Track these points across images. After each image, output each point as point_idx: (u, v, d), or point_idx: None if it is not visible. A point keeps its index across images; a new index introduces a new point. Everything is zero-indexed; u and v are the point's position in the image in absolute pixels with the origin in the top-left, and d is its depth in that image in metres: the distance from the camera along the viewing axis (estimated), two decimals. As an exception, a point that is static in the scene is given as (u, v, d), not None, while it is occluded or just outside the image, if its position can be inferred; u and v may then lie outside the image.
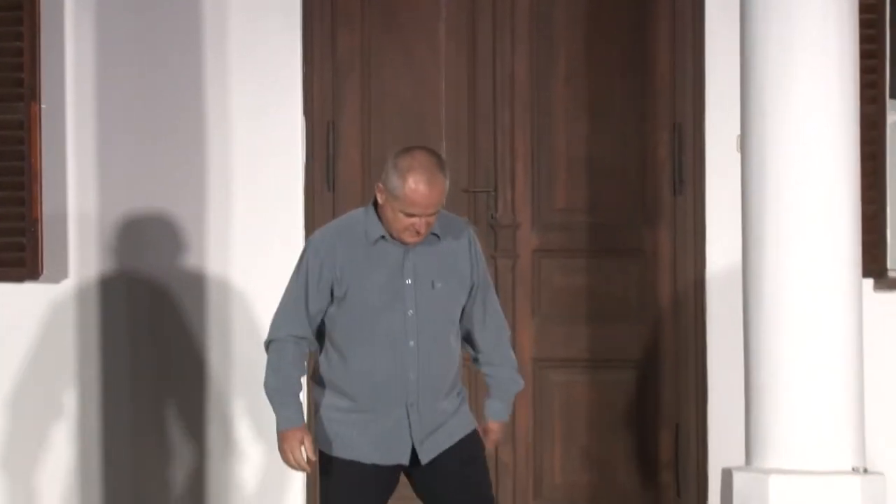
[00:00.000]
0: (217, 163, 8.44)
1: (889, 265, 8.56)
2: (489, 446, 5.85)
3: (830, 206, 6.63)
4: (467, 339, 5.84)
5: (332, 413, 5.68)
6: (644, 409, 8.54)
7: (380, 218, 5.64)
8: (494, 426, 5.89)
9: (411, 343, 5.64)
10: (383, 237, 5.65)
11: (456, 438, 5.70)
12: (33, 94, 8.20)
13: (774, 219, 6.62)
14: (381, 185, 5.61)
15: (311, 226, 8.52)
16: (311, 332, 5.67)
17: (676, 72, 8.57)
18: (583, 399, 8.55)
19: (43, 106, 8.24)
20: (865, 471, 6.55)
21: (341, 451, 5.65)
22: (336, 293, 5.62)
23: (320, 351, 5.75)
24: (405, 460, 5.66)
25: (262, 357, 8.23)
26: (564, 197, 8.62)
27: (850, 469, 6.50)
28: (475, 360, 5.89)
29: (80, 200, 8.41)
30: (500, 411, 5.89)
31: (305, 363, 5.70)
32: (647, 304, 8.57)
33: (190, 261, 8.45)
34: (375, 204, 5.66)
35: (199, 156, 8.44)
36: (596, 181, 8.59)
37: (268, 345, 5.71)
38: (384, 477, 5.66)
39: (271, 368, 5.67)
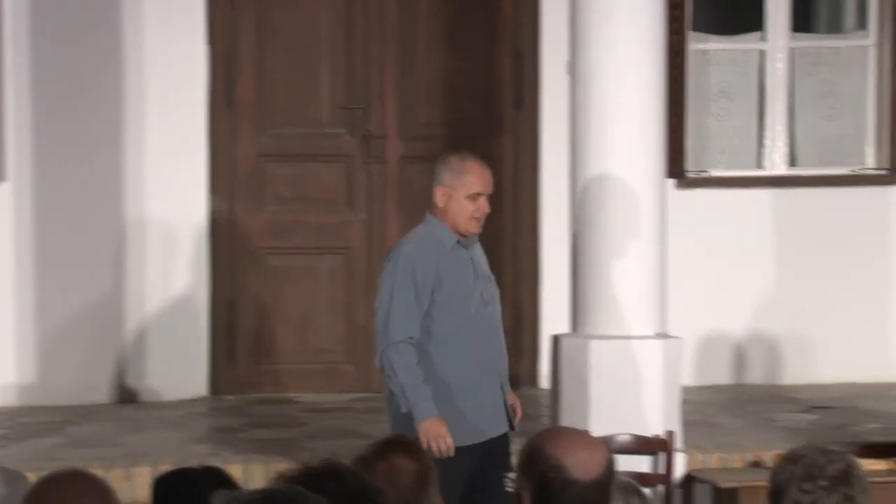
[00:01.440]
0: (133, 83, 8.37)
1: (687, 168, 8.76)
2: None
3: (641, 119, 6.64)
4: None
5: (442, 405, 5.35)
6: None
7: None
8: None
9: (496, 327, 5.56)
10: (457, 241, 5.51)
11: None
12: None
13: (597, 129, 6.63)
14: (439, 187, 5.48)
15: (214, 138, 8.52)
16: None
17: (518, 8, 8.63)
18: (442, 280, 8.64)
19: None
20: (666, 335, 6.63)
21: (457, 440, 5.34)
22: (437, 294, 5.41)
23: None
24: (507, 427, 5.54)
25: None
26: (426, 113, 8.66)
27: (653, 334, 6.57)
28: None
29: (17, 118, 8.31)
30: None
31: None
32: (493, 201, 8.61)
33: (109, 162, 8.40)
34: (433, 216, 5.53)
35: (117, 77, 8.36)
36: (451, 99, 8.64)
37: (387, 348, 5.37)
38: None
39: (401, 368, 5.32)
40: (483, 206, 5.51)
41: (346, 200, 8.63)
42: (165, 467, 3.98)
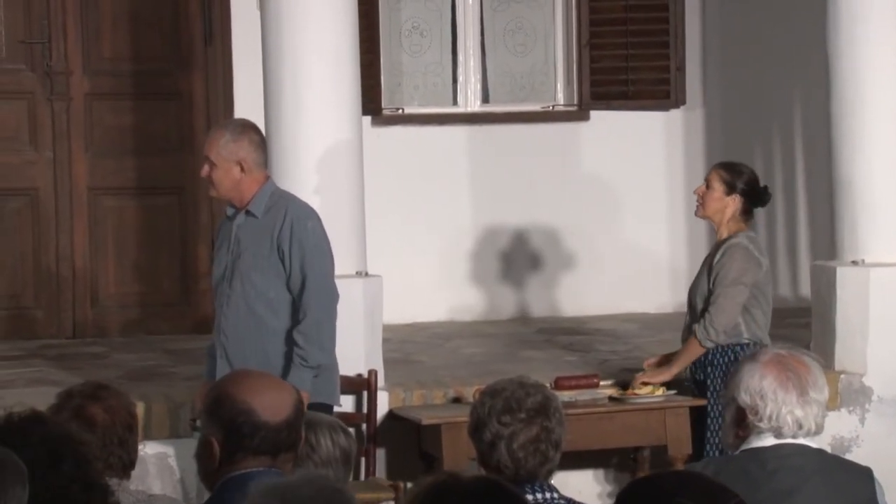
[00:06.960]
0: None
1: (383, 105, 8.90)
2: None
3: (335, 55, 6.70)
4: None
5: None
6: (184, 229, 8.60)
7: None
8: None
9: (237, 301, 5.78)
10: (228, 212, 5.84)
11: None
12: None
13: (291, 67, 6.66)
14: None
15: None
16: None
17: (206, -60, 8.59)
18: (132, 222, 8.57)
19: None
20: (367, 274, 6.79)
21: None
22: None
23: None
24: None
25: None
26: (111, 47, 8.55)
27: (354, 273, 6.68)
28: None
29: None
30: None
31: None
32: (185, 140, 8.63)
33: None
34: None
35: None
36: (138, 33, 8.54)
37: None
38: None
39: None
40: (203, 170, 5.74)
41: (30, 139, 8.48)
42: None
